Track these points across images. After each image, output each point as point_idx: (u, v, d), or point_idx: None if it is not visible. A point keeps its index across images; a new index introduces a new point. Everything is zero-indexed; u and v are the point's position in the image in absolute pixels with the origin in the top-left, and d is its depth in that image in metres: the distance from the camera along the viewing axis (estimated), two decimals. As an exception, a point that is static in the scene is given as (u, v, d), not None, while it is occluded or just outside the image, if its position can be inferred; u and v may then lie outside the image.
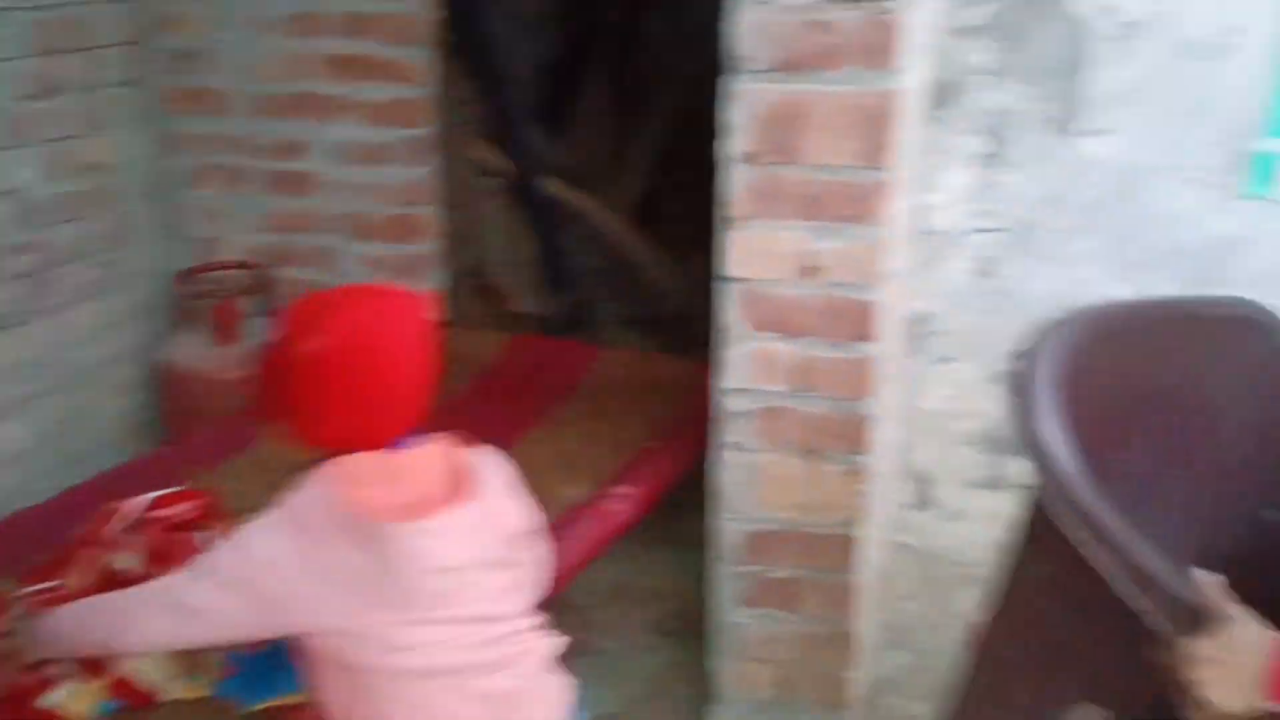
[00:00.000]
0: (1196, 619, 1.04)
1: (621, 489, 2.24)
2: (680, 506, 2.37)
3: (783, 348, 1.91)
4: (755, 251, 1.89)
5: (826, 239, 1.84)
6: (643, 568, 2.60)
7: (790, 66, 1.78)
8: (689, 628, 2.34)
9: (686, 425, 2.36)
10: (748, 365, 1.93)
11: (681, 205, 4.66)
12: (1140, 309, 1.55)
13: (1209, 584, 1.06)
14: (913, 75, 1.92)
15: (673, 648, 2.40)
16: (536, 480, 1.97)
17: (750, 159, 1.85)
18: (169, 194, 3.02)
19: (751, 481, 1.97)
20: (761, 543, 2.00)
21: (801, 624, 2.05)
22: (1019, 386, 1.23)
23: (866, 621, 2.14)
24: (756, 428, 1.95)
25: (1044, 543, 1.25)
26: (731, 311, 1.92)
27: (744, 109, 1.83)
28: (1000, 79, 2.22)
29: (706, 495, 2.02)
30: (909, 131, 1.97)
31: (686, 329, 3.39)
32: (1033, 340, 1.27)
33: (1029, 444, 1.19)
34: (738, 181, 1.86)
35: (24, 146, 2.57)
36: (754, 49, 1.80)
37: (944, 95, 2.24)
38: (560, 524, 1.96)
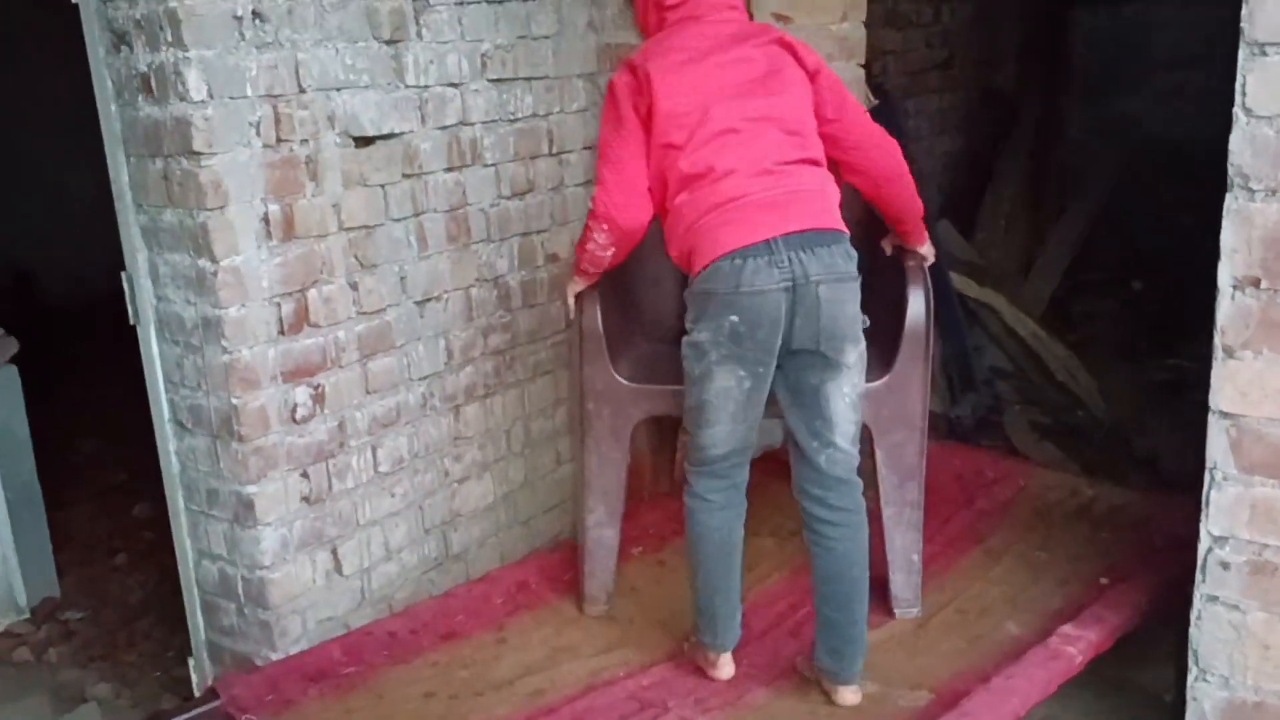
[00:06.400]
0: None
1: (1071, 629, 2.06)
2: (1126, 650, 2.16)
3: (1286, 497, 1.71)
4: (1255, 386, 1.72)
5: (1351, 380, 1.63)
6: (1075, 711, 2.39)
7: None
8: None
9: (1144, 564, 2.15)
10: (1239, 512, 1.74)
11: (1094, 308, 4.35)
12: None
13: None
14: None
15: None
16: (980, 615, 1.85)
17: (1251, 284, 1.70)
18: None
19: (1238, 644, 1.76)
20: (1246, 715, 1.77)
21: (1290, 817, 1.78)
22: None
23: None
24: (1247, 584, 1.74)
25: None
26: (1220, 450, 1.75)
27: (1243, 230, 1.69)
28: None
29: (1167, 646, 1.83)
30: None
31: (1119, 449, 3.14)
32: None
33: None
34: (1234, 308, 1.72)
35: (504, 240, 2.92)
36: (1256, 167, 1.66)
37: None
38: (1004, 663, 1.85)
